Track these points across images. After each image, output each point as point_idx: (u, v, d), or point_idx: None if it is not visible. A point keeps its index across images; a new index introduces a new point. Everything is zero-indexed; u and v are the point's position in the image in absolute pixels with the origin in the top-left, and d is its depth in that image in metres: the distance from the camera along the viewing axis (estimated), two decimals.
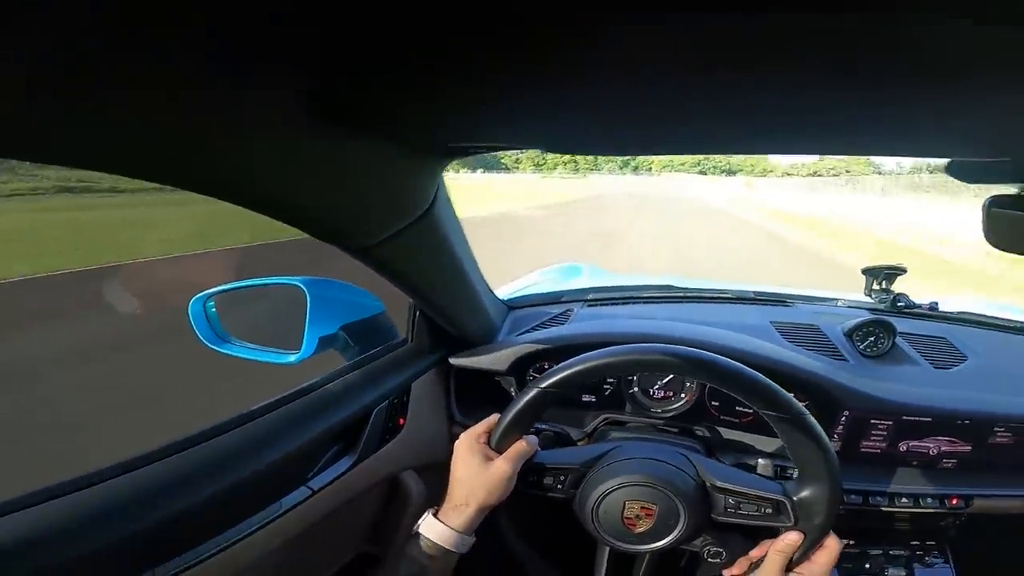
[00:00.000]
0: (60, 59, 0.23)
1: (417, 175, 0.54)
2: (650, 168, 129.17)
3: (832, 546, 0.70)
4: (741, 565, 0.75)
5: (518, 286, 1.43)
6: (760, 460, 0.80)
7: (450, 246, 0.72)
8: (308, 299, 0.83)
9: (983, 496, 0.93)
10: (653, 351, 0.72)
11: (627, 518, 0.72)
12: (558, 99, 0.38)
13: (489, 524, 0.74)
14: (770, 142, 0.50)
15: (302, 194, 0.46)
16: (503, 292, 1.27)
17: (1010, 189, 0.61)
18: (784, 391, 0.69)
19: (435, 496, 1.05)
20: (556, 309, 1.20)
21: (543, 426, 0.94)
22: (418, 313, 0.93)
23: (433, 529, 0.68)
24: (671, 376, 1.02)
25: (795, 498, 0.70)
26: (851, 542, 0.99)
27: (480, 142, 0.50)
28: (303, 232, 0.49)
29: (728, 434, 1.01)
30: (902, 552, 1.00)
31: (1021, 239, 0.59)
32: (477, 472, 0.69)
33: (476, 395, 1.07)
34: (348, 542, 0.98)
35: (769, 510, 0.71)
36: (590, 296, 1.27)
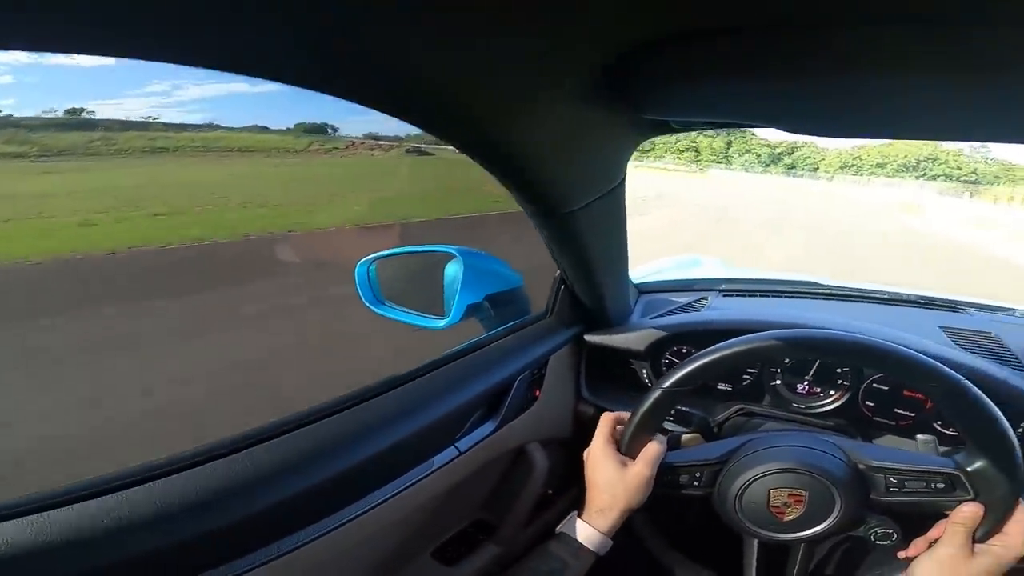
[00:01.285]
0: None
1: (621, 144, 0.55)
2: (816, 166, 79.83)
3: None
4: (918, 546, 0.70)
5: (643, 272, 1.40)
6: (919, 436, 0.76)
7: (621, 222, 0.73)
8: (463, 267, 0.87)
9: None
10: (796, 336, 0.69)
11: (774, 507, 0.71)
12: (799, 74, 0.37)
13: (627, 527, 0.75)
14: None
15: (529, 153, 0.48)
16: (636, 275, 1.26)
17: None
18: (947, 367, 0.64)
19: (556, 472, 1.07)
20: (689, 297, 1.17)
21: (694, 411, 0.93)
22: (562, 288, 0.95)
23: (579, 530, 0.70)
24: (819, 370, 0.96)
25: (969, 469, 0.65)
26: None
27: (696, 116, 0.50)
28: (513, 196, 0.53)
29: (878, 438, 0.94)
30: None
31: None
32: (617, 477, 0.71)
33: (605, 375, 1.07)
34: (465, 508, 1.02)
35: (941, 485, 0.67)
36: (724, 286, 1.23)
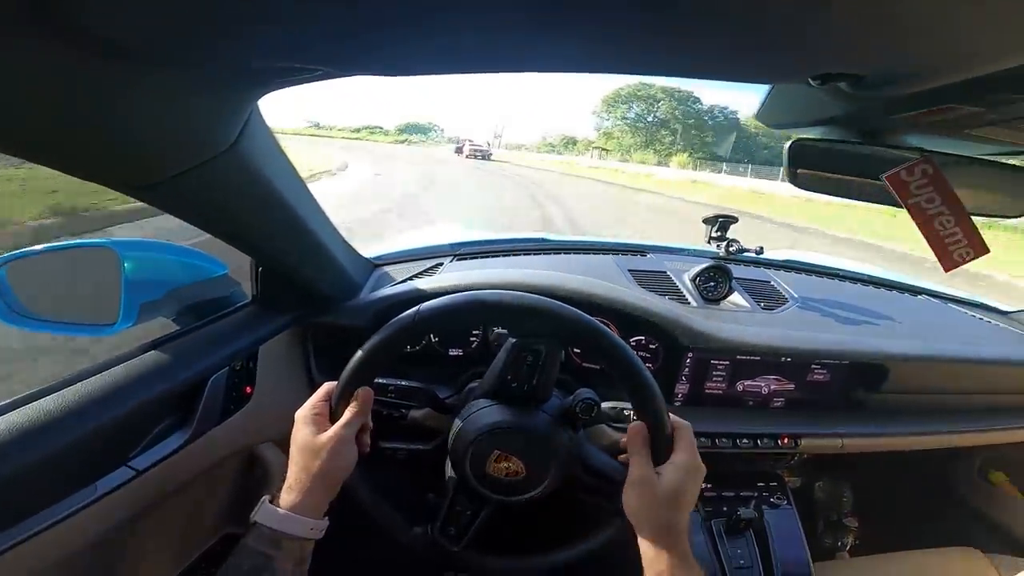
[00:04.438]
0: None
1: (213, 105, 0.47)
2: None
3: (682, 426, 0.67)
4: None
5: (388, 245, 1.36)
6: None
7: (273, 190, 0.64)
8: (122, 262, 0.73)
9: (808, 436, 1.03)
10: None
11: (508, 476, 0.72)
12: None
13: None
14: (593, 60, 0.47)
15: (43, 126, 0.38)
16: (371, 252, 1.22)
17: (810, 133, 0.67)
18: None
19: None
20: (423, 265, 1.17)
21: (415, 384, 0.93)
22: (260, 270, 0.86)
23: (269, 516, 0.60)
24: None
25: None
26: (708, 486, 1.08)
27: (285, 65, 0.44)
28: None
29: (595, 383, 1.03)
30: (752, 494, 1.09)
31: (821, 181, 0.66)
32: (310, 445, 0.63)
33: (341, 357, 1.02)
34: (209, 524, 0.92)
35: (529, 356, 0.72)
36: (461, 250, 1.26)
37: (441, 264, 1.18)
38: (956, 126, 0.52)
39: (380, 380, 0.90)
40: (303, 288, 0.88)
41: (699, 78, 0.44)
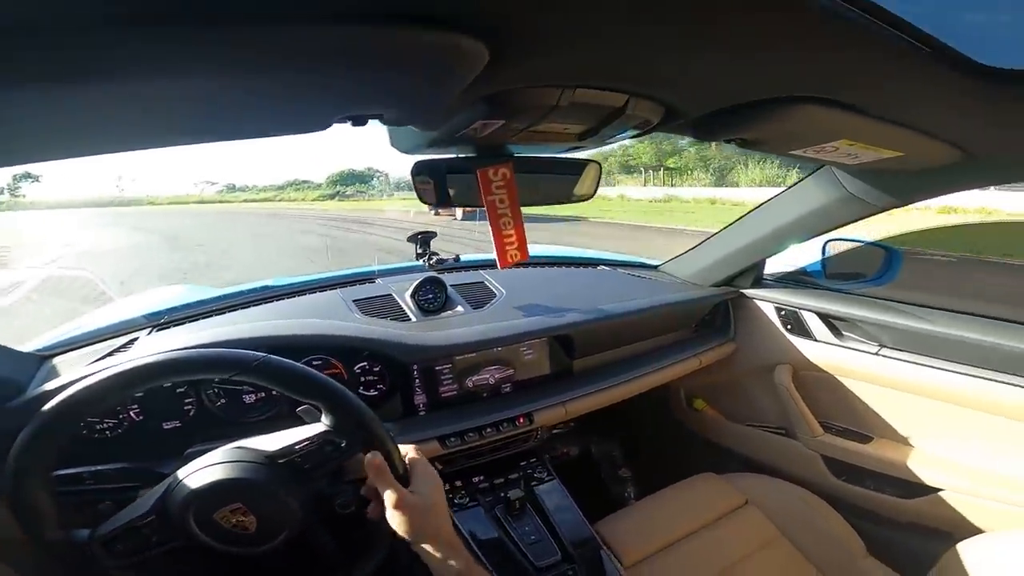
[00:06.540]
0: None
1: None
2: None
3: (411, 449, 0.74)
4: (375, 508, 0.72)
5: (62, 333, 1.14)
6: (299, 408, 0.77)
7: None
8: None
9: (538, 410, 1.15)
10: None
11: (235, 526, 0.68)
12: None
13: None
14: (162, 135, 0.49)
15: None
16: (34, 344, 1.02)
17: (427, 155, 0.78)
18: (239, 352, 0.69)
19: None
20: (114, 344, 1.02)
21: (124, 465, 0.84)
22: None
23: None
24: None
25: (328, 423, 0.71)
26: (480, 478, 1.16)
27: None
28: None
29: None
30: (518, 475, 1.18)
31: (442, 192, 0.77)
32: None
33: None
34: None
35: (329, 447, 0.71)
36: (164, 318, 1.13)
37: (136, 339, 1.04)
38: (504, 135, 0.66)
39: (70, 471, 0.82)
40: None
41: (255, 137, 0.50)
